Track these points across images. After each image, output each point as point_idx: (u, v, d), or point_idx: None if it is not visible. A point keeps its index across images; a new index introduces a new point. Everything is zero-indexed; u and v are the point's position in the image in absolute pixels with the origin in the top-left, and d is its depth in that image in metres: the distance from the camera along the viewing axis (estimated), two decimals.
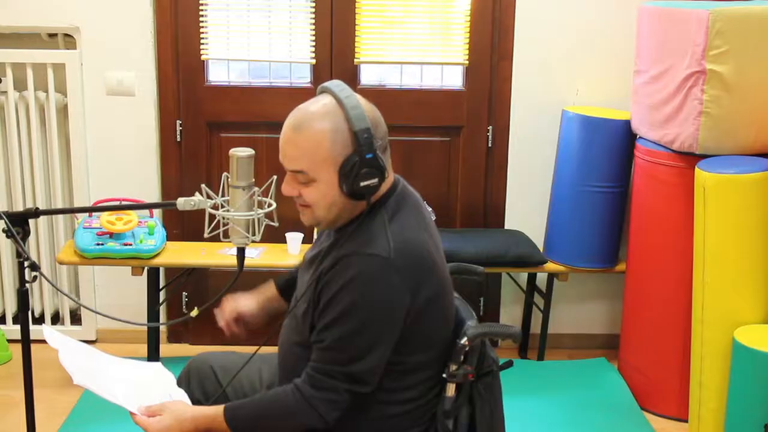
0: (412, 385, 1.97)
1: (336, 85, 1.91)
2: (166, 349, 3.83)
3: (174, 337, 3.95)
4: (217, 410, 1.92)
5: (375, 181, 1.86)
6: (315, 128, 1.84)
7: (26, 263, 1.96)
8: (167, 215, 3.79)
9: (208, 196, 2.01)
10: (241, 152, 1.95)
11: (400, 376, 1.94)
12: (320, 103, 1.88)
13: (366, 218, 1.90)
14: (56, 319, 3.90)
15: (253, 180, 1.97)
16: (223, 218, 1.99)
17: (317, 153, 1.84)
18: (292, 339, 2.02)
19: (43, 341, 2.02)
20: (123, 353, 3.53)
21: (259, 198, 2.00)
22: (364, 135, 1.83)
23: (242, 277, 2.04)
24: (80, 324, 3.88)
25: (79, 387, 1.92)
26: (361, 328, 1.84)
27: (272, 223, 2.04)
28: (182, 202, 2.00)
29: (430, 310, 1.91)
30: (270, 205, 2.02)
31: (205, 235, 2.04)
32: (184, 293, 3.90)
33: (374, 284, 1.83)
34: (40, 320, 3.84)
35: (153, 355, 3.60)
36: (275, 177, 2.03)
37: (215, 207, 2.00)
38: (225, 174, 1.99)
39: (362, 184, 1.85)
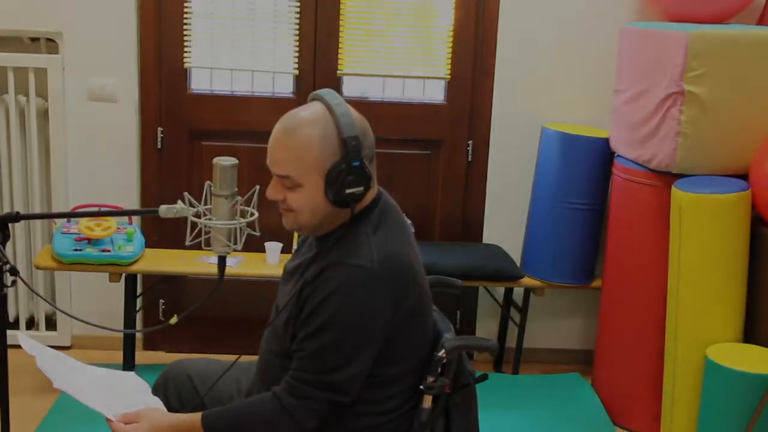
0: (390, 396, 1.97)
1: (327, 93, 1.92)
2: (141, 356, 3.81)
3: (150, 345, 3.93)
4: (194, 418, 1.92)
5: (360, 189, 1.87)
6: (304, 134, 1.86)
7: (6, 267, 1.94)
8: (146, 222, 3.78)
9: (191, 204, 2.01)
10: (224, 161, 1.95)
11: (377, 387, 1.94)
12: (311, 109, 1.90)
13: (350, 228, 1.91)
14: (31, 324, 3.86)
15: (236, 189, 1.97)
16: (205, 226, 1.99)
17: (305, 158, 1.86)
18: (272, 349, 2.03)
19: (18, 346, 2.01)
20: (98, 360, 3.55)
21: (242, 207, 2.01)
22: (352, 142, 1.84)
23: (221, 286, 2.04)
24: (55, 330, 3.85)
25: (53, 393, 1.92)
26: (342, 337, 1.85)
27: (254, 233, 2.05)
28: (165, 210, 2.00)
29: (411, 322, 1.92)
30: (252, 214, 2.03)
31: (187, 243, 2.04)
32: (161, 300, 3.88)
33: (357, 294, 1.84)
34: (14, 325, 3.81)
35: (129, 362, 3.59)
36: (258, 187, 2.04)
37: (197, 215, 2.01)
38: (207, 182, 1.99)
39: (347, 191, 1.86)
